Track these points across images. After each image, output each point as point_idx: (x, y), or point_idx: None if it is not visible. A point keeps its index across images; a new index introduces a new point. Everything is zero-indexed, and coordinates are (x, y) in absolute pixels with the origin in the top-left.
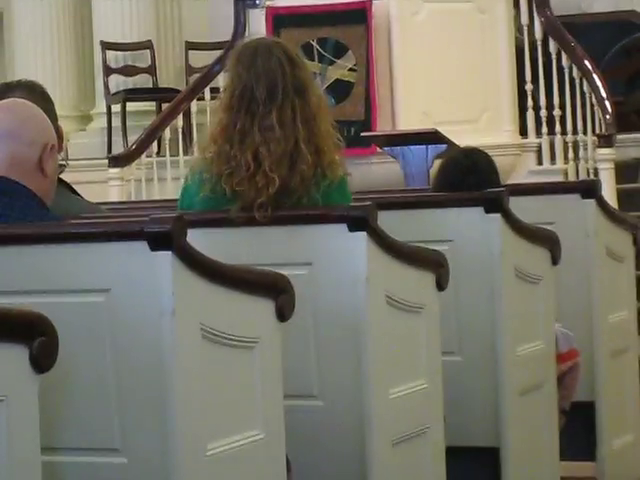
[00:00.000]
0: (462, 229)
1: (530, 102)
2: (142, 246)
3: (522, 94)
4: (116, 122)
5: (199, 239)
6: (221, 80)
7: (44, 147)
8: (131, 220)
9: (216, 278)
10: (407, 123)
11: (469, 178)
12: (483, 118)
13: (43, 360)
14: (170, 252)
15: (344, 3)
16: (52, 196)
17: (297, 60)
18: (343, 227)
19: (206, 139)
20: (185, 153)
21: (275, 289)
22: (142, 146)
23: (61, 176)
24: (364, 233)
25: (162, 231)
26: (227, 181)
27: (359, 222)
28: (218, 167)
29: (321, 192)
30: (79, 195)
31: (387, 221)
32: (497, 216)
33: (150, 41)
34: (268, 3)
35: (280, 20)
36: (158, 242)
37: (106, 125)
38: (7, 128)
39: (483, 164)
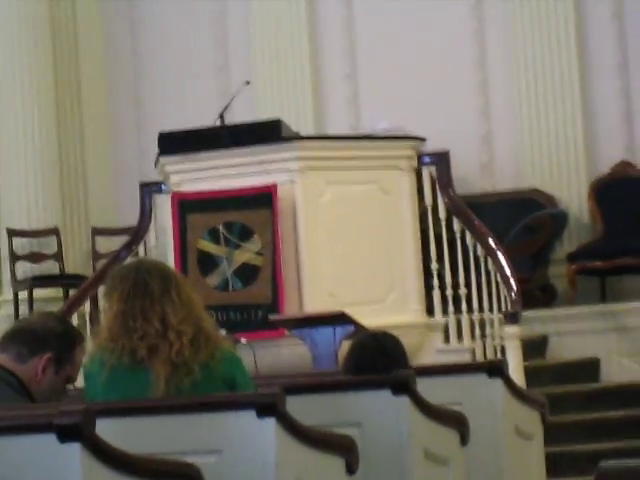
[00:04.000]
0: (370, 412)
1: (436, 281)
2: (51, 438)
3: (428, 273)
4: (23, 309)
5: (108, 428)
6: None
7: None
8: (40, 413)
9: (126, 469)
10: (314, 305)
11: (377, 361)
12: (389, 298)
13: None
14: (79, 444)
15: (250, 188)
16: None
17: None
18: (251, 413)
19: (102, 327)
20: (92, 339)
21: (186, 479)
22: None
23: None
24: (273, 419)
25: (71, 423)
26: (139, 344)
27: (267, 408)
28: (125, 338)
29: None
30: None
31: (295, 405)
32: (405, 398)
33: (56, 227)
34: (174, 188)
35: (186, 205)
36: (67, 434)
37: (13, 312)
38: None
39: (391, 346)
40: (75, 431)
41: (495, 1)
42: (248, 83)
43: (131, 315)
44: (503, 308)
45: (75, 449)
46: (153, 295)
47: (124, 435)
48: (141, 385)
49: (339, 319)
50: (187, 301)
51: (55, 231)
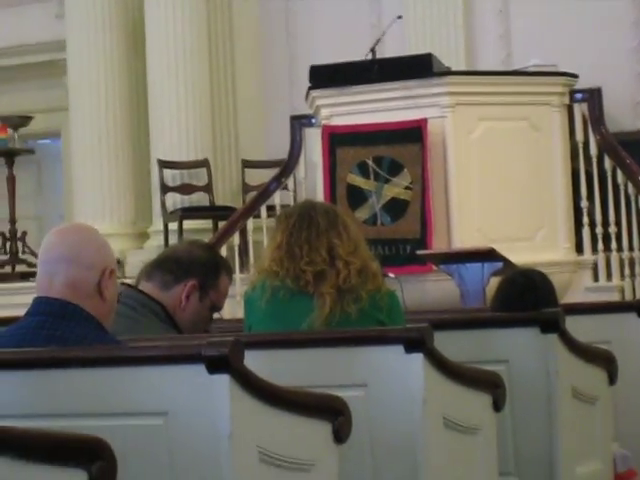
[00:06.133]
0: (518, 349)
1: (586, 219)
2: (200, 369)
3: (578, 211)
4: (173, 240)
5: (256, 360)
6: (277, 198)
7: (103, 271)
8: (189, 344)
9: (273, 401)
10: (462, 241)
11: (526, 298)
12: (539, 235)
13: None
14: (228, 375)
15: (400, 122)
16: (111, 319)
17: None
18: (399, 348)
19: (265, 256)
20: (242, 271)
21: (332, 412)
22: None
23: None
24: (420, 354)
25: (220, 355)
26: (305, 269)
27: (415, 343)
28: (290, 263)
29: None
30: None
31: (442, 341)
32: (553, 336)
33: (207, 159)
34: (324, 122)
35: (336, 139)
36: (216, 365)
37: (163, 243)
38: (67, 252)
39: (540, 284)
40: (224, 362)
41: None
42: (400, 17)
43: (297, 244)
44: None
45: (223, 380)
46: (319, 228)
47: (272, 367)
48: (303, 309)
49: (488, 255)
50: (355, 237)
51: (205, 163)
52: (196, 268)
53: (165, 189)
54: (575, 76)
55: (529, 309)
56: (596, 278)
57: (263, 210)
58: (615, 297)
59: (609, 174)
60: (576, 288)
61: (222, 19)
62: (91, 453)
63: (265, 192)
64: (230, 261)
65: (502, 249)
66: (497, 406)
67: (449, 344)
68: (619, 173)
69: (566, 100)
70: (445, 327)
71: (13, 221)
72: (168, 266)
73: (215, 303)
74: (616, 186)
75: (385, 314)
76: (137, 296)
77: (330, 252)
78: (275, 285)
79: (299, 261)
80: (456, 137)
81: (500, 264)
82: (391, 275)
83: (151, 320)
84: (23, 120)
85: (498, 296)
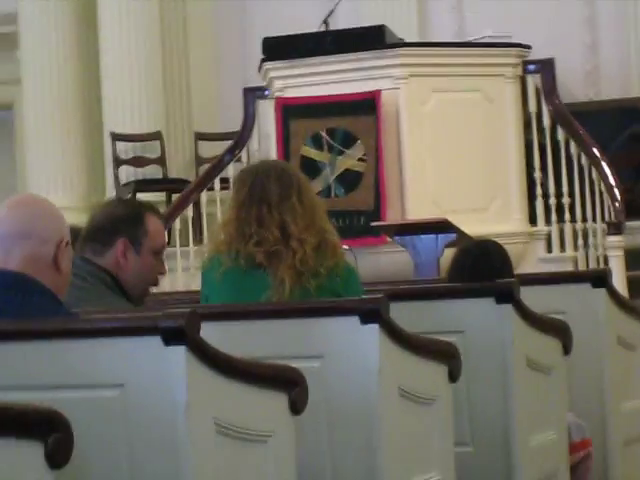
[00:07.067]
0: (473, 320)
1: (539, 190)
2: (156, 341)
3: (531, 182)
4: None
5: (212, 332)
6: (231, 170)
7: (58, 244)
8: (145, 315)
9: (229, 372)
10: (416, 212)
11: (481, 268)
12: (492, 206)
13: (58, 456)
14: (184, 347)
15: (353, 94)
16: (66, 291)
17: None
18: (355, 319)
19: (217, 231)
20: (195, 243)
21: (288, 383)
22: None
23: None
24: (376, 325)
25: (176, 326)
26: (256, 250)
27: (371, 314)
28: (239, 244)
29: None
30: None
31: (398, 312)
32: (508, 306)
33: (160, 132)
34: (277, 94)
35: (289, 111)
36: (172, 337)
37: None
38: (21, 226)
39: (495, 254)
40: (180, 334)
41: None
42: None
43: (246, 222)
44: (606, 218)
45: (180, 352)
46: (271, 202)
47: (229, 338)
48: (260, 283)
49: (442, 226)
50: (310, 208)
51: (159, 135)
52: (119, 226)
53: (118, 162)
54: (528, 47)
55: (484, 279)
56: (549, 249)
57: (217, 183)
58: (568, 268)
59: (562, 145)
60: (530, 259)
61: None
62: (47, 425)
63: (218, 164)
64: (184, 233)
65: (456, 220)
66: (452, 376)
67: (404, 315)
68: (572, 144)
69: (519, 71)
70: (400, 298)
71: None
72: (93, 236)
73: (154, 248)
74: (569, 157)
75: (342, 287)
76: (86, 266)
77: (282, 230)
78: (228, 265)
79: (249, 240)
80: (409, 108)
81: (454, 235)
82: (345, 247)
83: (102, 290)
84: None
85: (453, 267)
